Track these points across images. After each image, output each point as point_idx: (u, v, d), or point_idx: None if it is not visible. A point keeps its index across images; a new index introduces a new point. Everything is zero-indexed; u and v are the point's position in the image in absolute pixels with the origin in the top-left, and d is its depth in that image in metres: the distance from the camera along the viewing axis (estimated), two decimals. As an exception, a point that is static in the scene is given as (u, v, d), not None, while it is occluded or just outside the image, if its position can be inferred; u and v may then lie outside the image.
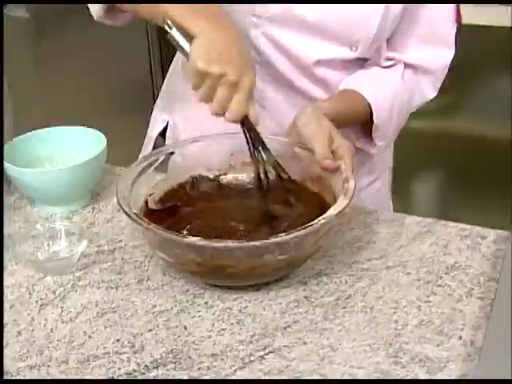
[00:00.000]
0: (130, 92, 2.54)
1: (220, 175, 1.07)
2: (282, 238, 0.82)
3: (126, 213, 0.88)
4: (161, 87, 1.34)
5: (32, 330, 0.86)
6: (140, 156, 1.35)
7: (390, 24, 1.09)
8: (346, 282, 0.92)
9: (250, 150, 0.97)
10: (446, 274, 0.93)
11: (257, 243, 0.83)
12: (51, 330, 0.86)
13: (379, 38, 1.09)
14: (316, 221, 0.85)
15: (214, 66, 0.90)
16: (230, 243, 0.83)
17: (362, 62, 1.15)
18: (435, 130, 2.37)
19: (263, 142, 0.97)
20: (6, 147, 1.08)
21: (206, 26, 0.92)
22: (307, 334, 0.84)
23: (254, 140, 0.97)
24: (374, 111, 1.09)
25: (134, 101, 2.42)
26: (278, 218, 1.00)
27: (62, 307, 0.90)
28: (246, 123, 0.96)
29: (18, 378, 0.79)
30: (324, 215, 0.86)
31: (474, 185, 2.36)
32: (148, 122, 1.34)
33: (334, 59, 1.10)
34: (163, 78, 1.34)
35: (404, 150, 2.08)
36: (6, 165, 1.05)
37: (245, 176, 1.07)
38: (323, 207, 0.97)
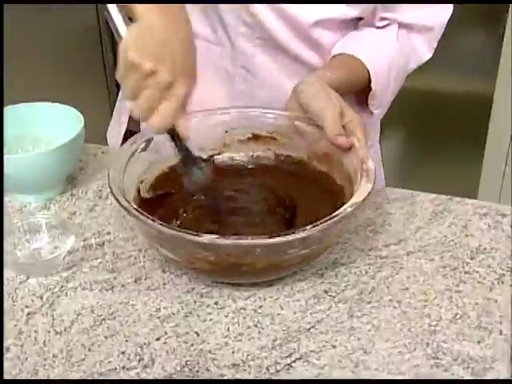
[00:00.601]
0: (78, 47, 2.33)
1: (214, 155, 0.97)
2: (310, 231, 0.73)
3: (125, 209, 0.77)
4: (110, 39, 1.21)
5: (22, 345, 0.75)
6: (109, 127, 1.24)
7: None
8: (367, 273, 0.84)
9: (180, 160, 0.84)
10: (471, 258, 0.86)
11: (283, 239, 0.73)
12: (44, 343, 0.75)
13: None
14: (342, 210, 0.76)
15: (147, 59, 0.74)
16: (252, 240, 0.73)
17: (356, 23, 1.06)
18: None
19: (194, 157, 0.83)
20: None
21: (153, 11, 0.77)
22: (335, 336, 0.76)
23: (183, 153, 0.83)
24: (372, 77, 1.01)
25: (84, 59, 2.24)
26: (283, 203, 0.90)
27: (52, 315, 0.79)
28: (174, 134, 0.80)
29: (13, 404, 0.69)
30: (350, 203, 0.77)
31: (440, 143, 2.31)
32: (104, 86, 1.21)
33: (332, 19, 1.01)
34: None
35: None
36: (-30, 150, 0.92)
37: (242, 156, 0.97)
38: (334, 189, 0.89)
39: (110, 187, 0.80)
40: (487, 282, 0.82)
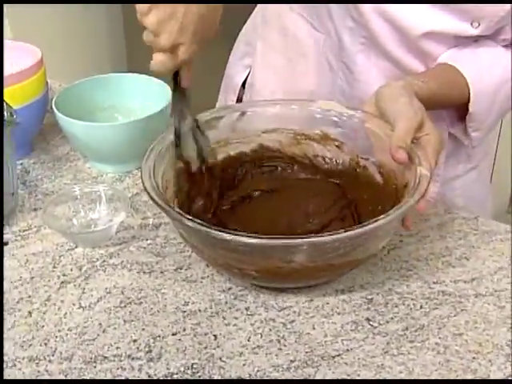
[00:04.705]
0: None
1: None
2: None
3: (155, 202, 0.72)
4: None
5: (44, 313, 0.75)
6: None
7: None
8: (421, 307, 0.75)
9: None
10: (551, 315, 0.73)
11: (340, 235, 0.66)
12: (65, 315, 0.74)
13: (509, 15, 0.87)
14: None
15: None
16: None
17: (477, 39, 0.93)
18: None
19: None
20: (59, 93, 0.97)
21: None
22: (359, 370, 0.68)
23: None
24: (471, 97, 0.88)
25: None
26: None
27: (83, 288, 0.78)
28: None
29: (14, 369, 0.68)
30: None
31: None
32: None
33: (447, 33, 0.90)
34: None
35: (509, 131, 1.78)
36: (58, 114, 0.93)
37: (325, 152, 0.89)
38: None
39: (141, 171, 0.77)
40: (560, 347, 0.70)
